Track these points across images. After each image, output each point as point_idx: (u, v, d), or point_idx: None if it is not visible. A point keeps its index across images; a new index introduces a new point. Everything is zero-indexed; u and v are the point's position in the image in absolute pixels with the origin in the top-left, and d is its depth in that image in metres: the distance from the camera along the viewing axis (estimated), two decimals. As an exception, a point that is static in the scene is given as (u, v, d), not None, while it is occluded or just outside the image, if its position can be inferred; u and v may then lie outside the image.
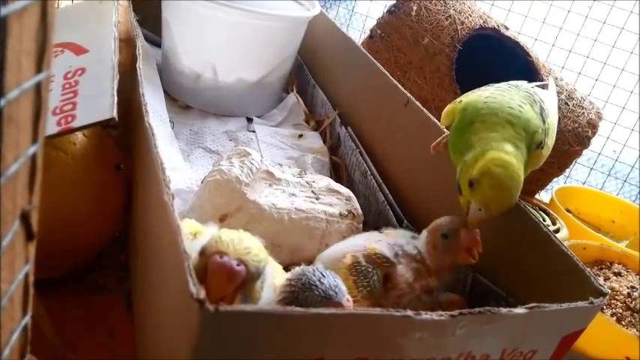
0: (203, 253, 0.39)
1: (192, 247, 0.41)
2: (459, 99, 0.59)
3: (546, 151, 0.57)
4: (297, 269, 0.44)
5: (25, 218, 0.24)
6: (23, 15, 0.20)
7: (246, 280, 0.38)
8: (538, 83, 0.64)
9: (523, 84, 0.60)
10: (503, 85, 0.59)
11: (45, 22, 0.21)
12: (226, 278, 0.37)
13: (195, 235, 0.49)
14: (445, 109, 0.60)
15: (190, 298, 0.32)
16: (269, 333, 0.35)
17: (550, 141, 0.57)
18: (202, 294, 0.32)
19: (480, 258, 0.54)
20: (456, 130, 0.56)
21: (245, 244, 0.39)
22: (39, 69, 0.22)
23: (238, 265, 0.38)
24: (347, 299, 0.42)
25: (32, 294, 0.27)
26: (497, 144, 0.51)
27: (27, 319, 0.27)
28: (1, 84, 0.19)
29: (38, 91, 0.22)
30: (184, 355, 0.35)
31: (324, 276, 0.42)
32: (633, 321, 0.76)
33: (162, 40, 0.99)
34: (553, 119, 0.59)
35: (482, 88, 0.59)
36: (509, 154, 0.50)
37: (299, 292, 0.41)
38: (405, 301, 0.52)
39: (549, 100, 0.61)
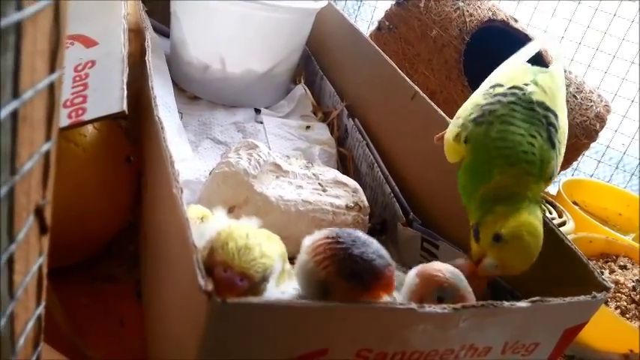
0: (210, 255, 0.39)
1: (199, 231, 0.41)
2: (461, 134, 0.55)
3: (557, 169, 0.55)
4: (327, 230, 0.42)
5: (39, 213, 0.25)
6: (37, 17, 0.20)
7: (250, 289, 0.39)
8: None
9: (523, 89, 0.55)
10: (504, 105, 0.54)
11: (58, 22, 0.22)
12: (228, 293, 0.37)
13: (202, 218, 0.49)
14: (447, 143, 0.57)
15: (198, 291, 0.33)
16: (275, 324, 0.35)
17: (561, 158, 0.55)
18: (210, 286, 0.33)
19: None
20: (467, 172, 0.54)
21: (251, 256, 0.39)
22: (52, 69, 0.22)
23: (241, 280, 0.38)
24: (390, 267, 0.40)
25: (45, 285, 0.28)
26: (529, 205, 0.50)
27: (41, 309, 0.28)
28: (15, 85, 0.20)
29: (51, 90, 0.23)
30: (192, 345, 0.36)
31: (368, 239, 0.41)
32: (637, 314, 0.76)
33: (171, 31, 0.99)
34: (563, 125, 0.56)
35: (478, 107, 0.55)
36: (538, 220, 0.49)
37: (352, 248, 0.39)
38: None
39: (553, 86, 0.57)
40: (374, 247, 0.40)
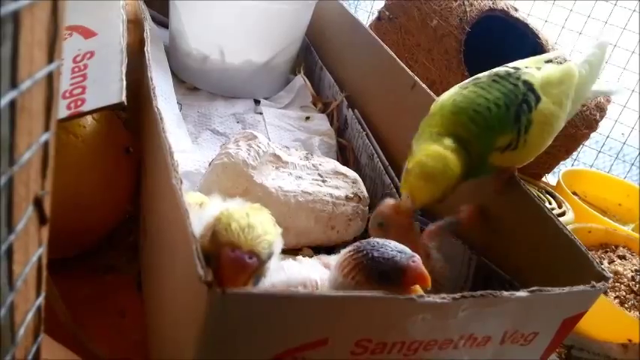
0: (214, 239, 0.39)
1: (198, 216, 0.42)
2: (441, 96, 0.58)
3: (531, 149, 0.55)
4: (349, 247, 0.44)
5: (38, 203, 0.25)
6: (35, 7, 0.20)
7: (259, 267, 0.39)
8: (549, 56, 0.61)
9: (518, 70, 0.56)
10: (488, 77, 0.56)
11: (56, 12, 0.22)
12: (239, 272, 0.37)
13: (200, 205, 0.49)
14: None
15: (198, 281, 0.33)
16: (276, 314, 0.35)
17: (533, 137, 0.54)
18: (210, 276, 0.33)
19: (485, 241, 0.54)
20: (421, 123, 0.57)
21: (255, 233, 0.39)
22: (50, 59, 0.22)
23: (250, 257, 0.38)
24: (414, 259, 0.41)
25: (45, 275, 0.28)
26: (441, 138, 0.52)
27: (41, 299, 0.28)
28: (14, 75, 0.20)
29: (50, 80, 0.23)
30: (193, 335, 0.36)
31: (385, 241, 0.43)
32: (636, 304, 0.77)
33: (170, 21, 0.99)
34: (546, 108, 0.55)
35: (470, 80, 0.57)
36: (447, 149, 0.51)
37: (372, 252, 0.41)
38: None
39: (557, 78, 0.57)
40: (392, 244, 0.42)
